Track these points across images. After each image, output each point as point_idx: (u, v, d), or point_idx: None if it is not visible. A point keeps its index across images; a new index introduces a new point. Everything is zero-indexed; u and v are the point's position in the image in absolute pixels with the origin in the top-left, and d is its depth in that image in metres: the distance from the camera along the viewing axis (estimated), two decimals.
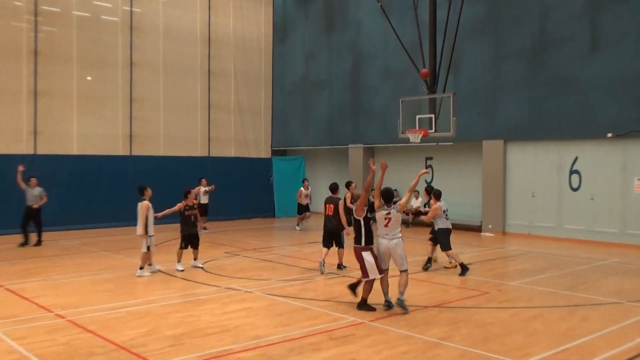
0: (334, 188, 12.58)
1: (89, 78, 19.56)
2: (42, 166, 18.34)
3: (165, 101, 21.32)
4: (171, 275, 11.54)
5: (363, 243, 8.81)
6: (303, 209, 20.59)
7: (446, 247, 12.11)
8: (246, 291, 10.06)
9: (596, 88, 16.46)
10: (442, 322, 8.21)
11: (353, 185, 13.32)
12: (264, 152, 24.50)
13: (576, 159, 17.21)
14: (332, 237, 12.12)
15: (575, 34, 16.87)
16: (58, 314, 8.44)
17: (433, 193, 12.66)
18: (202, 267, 12.38)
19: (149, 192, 11.66)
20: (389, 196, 8.80)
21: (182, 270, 11.94)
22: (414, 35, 17.69)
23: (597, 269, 12.68)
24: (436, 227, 12.37)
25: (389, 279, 8.94)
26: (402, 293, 8.81)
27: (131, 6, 20.41)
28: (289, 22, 26.57)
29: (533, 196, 18.13)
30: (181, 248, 12.20)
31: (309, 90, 25.74)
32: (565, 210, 17.25)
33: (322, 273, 11.69)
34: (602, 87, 16.35)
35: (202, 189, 18.66)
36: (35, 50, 18.39)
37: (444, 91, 16.58)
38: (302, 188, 20.31)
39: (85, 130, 19.47)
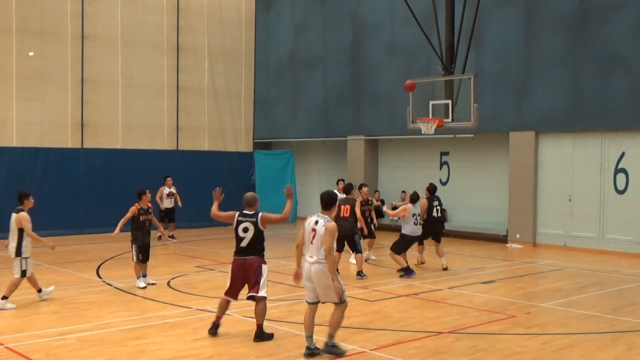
0: (348, 189, 14.26)
1: (31, 53, 19.49)
2: None
3: (124, 82, 21.28)
4: (131, 293, 11.54)
5: None
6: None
7: (396, 249, 13.50)
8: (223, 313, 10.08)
9: None
10: (460, 351, 8.26)
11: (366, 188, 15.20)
12: (245, 145, 24.50)
13: (623, 154, 17.32)
14: (345, 241, 13.39)
15: (626, 2, 16.96)
16: None
17: (410, 195, 14.11)
18: (153, 284, 12.38)
19: (30, 202, 10.60)
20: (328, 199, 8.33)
21: (144, 287, 11.97)
22: (428, 3, 17.77)
23: None
24: (402, 231, 13.72)
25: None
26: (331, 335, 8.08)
27: None
28: None
29: (570, 200, 18.21)
30: (138, 261, 12.18)
31: (300, 70, 25.72)
32: (609, 217, 17.32)
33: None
34: None
35: (166, 190, 18.65)
36: None
37: (463, 72, 16.63)
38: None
39: (26, 117, 19.41)
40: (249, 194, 9.43)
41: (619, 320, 10.07)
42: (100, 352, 8.01)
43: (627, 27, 16.92)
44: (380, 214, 22.91)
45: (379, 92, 22.72)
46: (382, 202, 22.69)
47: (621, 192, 17.09)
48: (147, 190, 12.87)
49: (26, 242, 10.37)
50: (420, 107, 16.56)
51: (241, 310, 10.26)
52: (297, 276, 8.13)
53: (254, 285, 8.76)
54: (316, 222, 8.12)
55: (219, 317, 8.96)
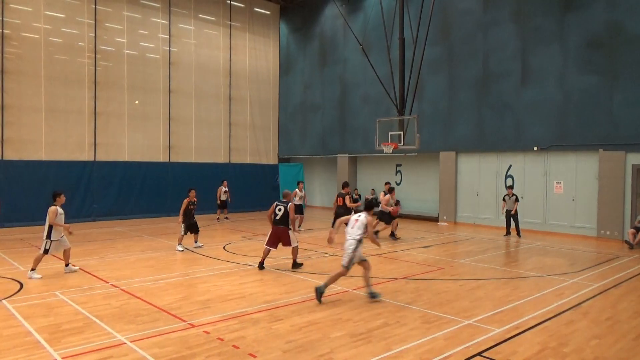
0: (344, 185, 14.43)
1: (136, 102, 19.53)
2: (100, 170, 18.37)
3: (196, 120, 21.31)
4: (199, 254, 11.56)
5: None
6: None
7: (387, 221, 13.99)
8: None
9: (526, 112, 16.59)
10: (408, 290, 8.29)
11: (348, 188, 15.00)
12: (272, 159, 24.52)
13: (510, 166, 17.32)
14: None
15: (510, 70, 17.00)
16: (113, 284, 8.46)
17: (389, 189, 14.22)
18: (201, 246, 12.35)
19: (62, 199, 9.17)
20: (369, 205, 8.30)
21: (182, 251, 11.84)
22: (387, 70, 17.82)
23: (525, 251, 12.80)
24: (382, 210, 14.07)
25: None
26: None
27: (170, 47, 20.39)
28: (291, 59, 26.58)
29: (477, 195, 18.24)
30: (184, 234, 12.09)
31: (307, 112, 25.77)
32: (501, 205, 17.31)
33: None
34: (530, 112, 16.48)
35: (223, 189, 18.64)
36: (95, 79, 18.36)
37: (410, 113, 16.67)
38: (296, 190, 17.73)
39: (134, 142, 19.44)
40: (286, 191, 10.27)
41: (508, 271, 10.10)
42: (180, 291, 8.03)
43: (512, 85, 16.95)
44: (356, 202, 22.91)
45: (357, 126, 22.74)
46: (360, 196, 22.70)
47: None
48: (194, 190, 12.70)
49: (55, 228, 8.91)
50: (383, 136, 16.59)
51: (270, 265, 10.28)
52: (331, 240, 8.43)
53: (287, 242, 9.74)
54: (358, 217, 7.83)
55: (263, 259, 9.83)
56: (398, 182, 21.56)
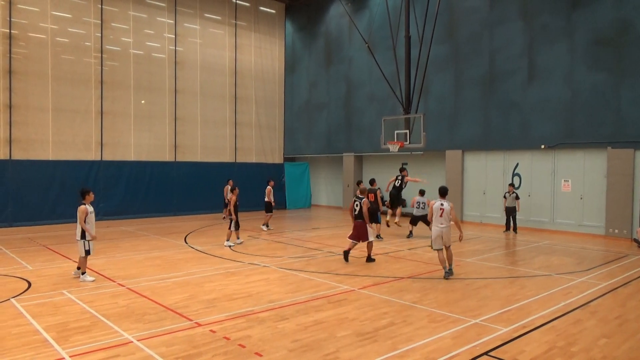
0: (372, 181, 14.24)
1: (143, 101, 19.60)
2: (107, 169, 18.47)
3: (202, 119, 21.37)
4: (206, 253, 11.59)
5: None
6: (270, 207, 17.92)
7: (413, 222, 14.38)
8: (264, 266, 10.12)
9: (532, 110, 16.49)
10: (415, 289, 8.27)
11: (362, 184, 15.23)
12: (278, 158, 24.53)
13: (517, 164, 17.23)
14: (374, 215, 13.25)
15: (517, 68, 16.90)
16: (119, 283, 8.50)
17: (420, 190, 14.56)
18: (242, 242, 12.99)
19: (90, 196, 8.80)
20: (443, 191, 9.53)
21: (232, 246, 12.36)
22: (393, 68, 17.76)
23: (532, 249, 12.72)
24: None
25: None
26: (450, 266, 9.37)
27: (175, 46, 20.45)
28: (296, 58, 26.59)
29: (484, 193, 18.16)
30: (235, 230, 12.56)
31: (312, 111, 25.76)
32: (502, 202, 17.21)
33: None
34: (537, 110, 16.38)
35: (229, 187, 18.63)
36: (101, 79, 18.44)
37: (416, 112, 16.61)
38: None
39: (140, 141, 19.52)
40: (363, 187, 10.88)
41: (514, 270, 10.05)
42: (186, 290, 8.05)
43: (519, 83, 16.85)
44: None
45: (363, 125, 22.71)
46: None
47: (517, 188, 17.01)
48: (236, 188, 13.16)
49: (89, 227, 8.61)
50: (389, 135, 16.55)
51: (275, 264, 10.29)
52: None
53: (364, 236, 10.37)
54: (442, 204, 9.23)
55: (348, 249, 10.60)
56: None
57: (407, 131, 16.02)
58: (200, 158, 21.31)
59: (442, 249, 9.23)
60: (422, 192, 14.59)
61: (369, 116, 22.21)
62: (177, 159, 20.60)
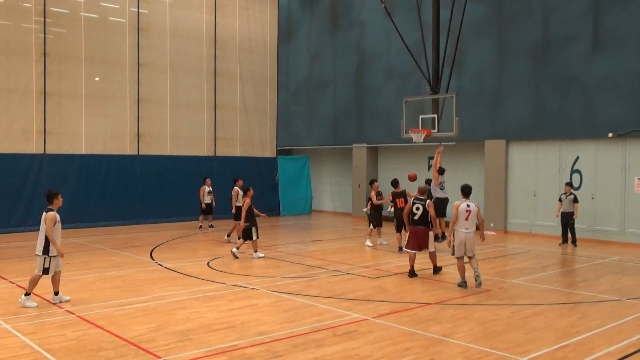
0: (395, 183, 14.94)
1: (97, 78, 19.64)
2: (52, 165, 18.53)
3: (172, 101, 21.38)
4: (178, 272, 11.61)
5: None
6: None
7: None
8: (252, 288, 10.13)
9: (598, 88, 16.46)
10: (444, 319, 8.26)
11: (377, 183, 16.15)
12: (269, 151, 24.54)
13: (577, 158, 17.20)
14: (402, 223, 13.91)
15: (578, 33, 16.86)
16: (68, 310, 8.52)
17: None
18: (263, 256, 13.43)
19: (59, 201, 8.95)
20: (468, 190, 10.26)
21: (239, 258, 13.10)
22: (418, 36, 17.73)
23: (597, 267, 12.68)
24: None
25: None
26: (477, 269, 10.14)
27: (138, 7, 20.47)
28: (293, 23, 26.62)
29: (534, 195, 18.14)
30: (245, 240, 13.37)
31: (314, 90, 25.78)
32: (557, 207, 17.16)
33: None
34: (603, 87, 16.35)
35: (207, 189, 18.65)
36: (44, 50, 18.47)
37: (447, 91, 16.60)
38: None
39: (93, 129, 19.56)
40: (423, 186, 11.66)
41: (574, 294, 10.03)
42: (153, 319, 8.08)
43: (580, 53, 16.82)
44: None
45: (378, 108, 22.72)
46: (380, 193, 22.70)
47: (576, 189, 16.98)
48: (250, 188, 13.81)
49: (54, 240, 8.66)
50: (412, 121, 16.53)
51: (266, 286, 10.32)
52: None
53: (426, 243, 11.11)
54: (468, 205, 10.07)
55: (412, 266, 11.18)
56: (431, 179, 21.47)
57: (435, 116, 16.01)
58: (170, 151, 21.35)
59: (463, 257, 10.14)
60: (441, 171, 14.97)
61: (387, 97, 22.21)
62: (141, 152, 20.65)
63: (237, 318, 8.16)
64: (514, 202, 18.73)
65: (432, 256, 11.41)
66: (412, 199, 11.53)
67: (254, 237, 13.29)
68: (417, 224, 11.17)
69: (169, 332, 7.45)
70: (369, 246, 15.47)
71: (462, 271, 10.27)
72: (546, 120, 17.62)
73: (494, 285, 10.56)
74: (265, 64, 24.36)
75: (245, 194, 13.72)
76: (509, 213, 18.83)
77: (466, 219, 10.05)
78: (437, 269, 11.52)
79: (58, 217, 8.82)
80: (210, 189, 18.72)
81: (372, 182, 16.43)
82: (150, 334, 7.38)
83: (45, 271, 8.75)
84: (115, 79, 20.03)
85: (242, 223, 13.28)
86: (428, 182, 14.91)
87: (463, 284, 10.23)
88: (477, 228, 10.48)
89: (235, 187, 16.29)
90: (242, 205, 13.50)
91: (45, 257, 8.71)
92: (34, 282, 8.80)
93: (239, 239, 14.06)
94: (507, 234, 18.60)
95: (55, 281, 9.00)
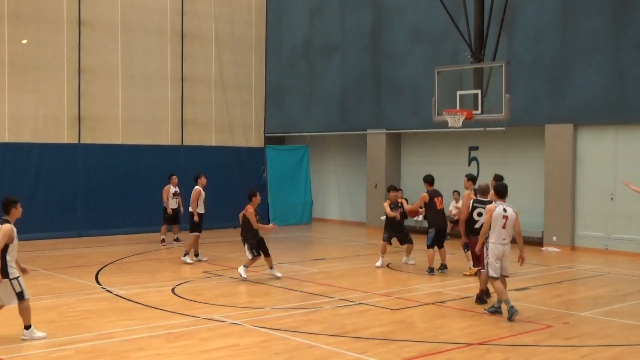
0: (431, 180, 15.01)
1: (24, 41, 19.68)
2: None
3: (125, 72, 21.40)
4: (133, 301, 11.61)
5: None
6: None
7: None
8: (232, 323, 10.12)
9: None
10: None
11: (395, 192, 16.47)
12: (255, 139, 24.56)
13: None
14: (442, 236, 14.76)
15: None
16: None
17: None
18: (280, 277, 13.85)
19: (18, 211, 9.27)
20: (504, 191, 10.78)
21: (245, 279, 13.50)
22: None
23: None
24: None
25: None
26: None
27: None
28: None
29: (612, 199, 18.11)
30: (253, 257, 13.72)
31: (315, 58, 25.77)
32: None
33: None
34: None
35: (172, 189, 18.62)
36: None
37: (494, 59, 16.60)
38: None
39: (19, 110, 19.59)
40: (485, 184, 12.03)
41: None
42: None
43: None
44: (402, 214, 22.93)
45: (402, 82, 22.71)
46: (406, 201, 22.71)
47: None
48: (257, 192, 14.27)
49: (11, 257, 8.88)
50: (447, 98, 16.53)
51: (251, 320, 10.32)
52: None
53: (482, 260, 11.06)
54: (504, 210, 10.45)
55: (483, 289, 11.47)
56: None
57: (479, 92, 16.03)
58: (121, 139, 21.37)
59: (500, 277, 10.46)
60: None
61: (412, 66, 22.22)
62: (83, 140, 20.68)
63: None
64: (584, 208, 18.71)
65: (485, 278, 11.39)
66: (472, 201, 11.92)
67: (249, 255, 13.64)
68: (478, 233, 11.22)
69: None
70: (377, 267, 15.52)
71: (503, 294, 10.44)
72: (629, 98, 17.60)
73: (558, 320, 10.54)
74: (250, 23, 24.38)
75: (250, 200, 13.89)
76: (578, 223, 18.81)
77: (503, 226, 10.36)
78: (486, 295, 11.71)
79: (15, 231, 8.98)
80: (177, 189, 18.73)
81: (390, 189, 16.56)
82: None
83: (20, 295, 8.91)
84: (48, 43, 20.06)
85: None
86: (497, 178, 14.18)
87: (512, 312, 10.26)
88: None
89: (197, 187, 16.34)
90: (246, 215, 13.66)
91: (10, 281, 8.83)
92: (26, 311, 9.01)
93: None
94: (574, 250, 18.59)
95: (23, 313, 9.05)
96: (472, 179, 14.13)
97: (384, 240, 15.68)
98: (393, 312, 11.00)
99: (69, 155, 20.34)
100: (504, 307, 10.44)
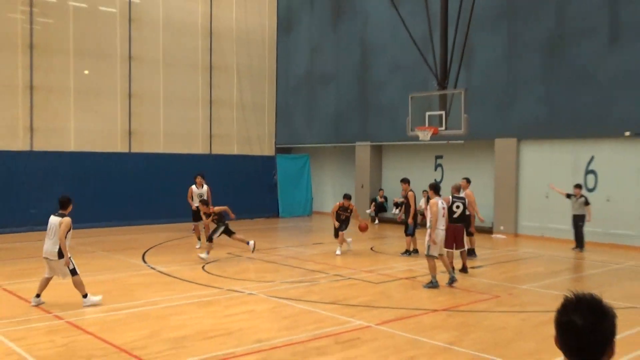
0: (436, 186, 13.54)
1: (86, 72, 19.69)
2: (39, 163, 18.58)
3: (165, 96, 21.41)
4: (172, 276, 11.67)
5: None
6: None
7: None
8: (249, 293, 10.17)
9: (615, 84, 16.49)
10: (451, 326, 8.31)
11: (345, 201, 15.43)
12: (268, 149, 24.58)
13: (592, 158, 17.25)
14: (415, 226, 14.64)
15: (594, 27, 16.88)
16: (56, 315, 8.58)
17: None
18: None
19: (71, 207, 9.56)
20: (439, 188, 11.18)
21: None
22: (425, 28, 17.79)
23: (612, 273, 12.73)
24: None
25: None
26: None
27: None
28: (293, 13, 26.66)
29: (547, 197, 18.16)
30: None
31: (315, 85, 25.83)
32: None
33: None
34: (620, 83, 16.38)
35: (196, 190, 18.30)
36: (30, 42, 18.51)
37: (455, 87, 16.66)
38: (192, 187, 16.50)
39: (82, 126, 19.60)
40: (458, 184, 12.60)
41: None
42: (146, 325, 8.13)
43: (595, 49, 16.86)
44: (383, 209, 23.01)
45: (383, 104, 22.76)
46: (386, 199, 22.81)
47: (591, 190, 17.03)
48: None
49: (68, 242, 9.05)
50: (418, 118, 16.60)
51: (264, 291, 10.37)
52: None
53: (461, 243, 11.94)
54: (443, 203, 10.94)
55: (450, 269, 11.16)
56: (438, 180, 21.54)
57: (443, 113, 16.07)
58: (163, 148, 21.40)
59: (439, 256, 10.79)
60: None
61: (392, 92, 22.25)
62: (133, 150, 20.70)
63: (233, 325, 8.21)
64: (525, 204, 18.77)
65: (465, 255, 12.29)
66: (451, 196, 12.21)
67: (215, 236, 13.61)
68: (456, 221, 11.87)
69: (162, 339, 7.50)
70: (337, 254, 14.63)
71: (448, 266, 10.99)
72: (559, 118, 17.65)
73: (504, 292, 10.60)
74: (264, 58, 24.39)
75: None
76: (520, 216, 18.87)
77: (443, 215, 10.83)
78: (466, 269, 12.17)
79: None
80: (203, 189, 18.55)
81: (346, 196, 15.43)
82: (142, 340, 7.44)
83: (74, 272, 9.02)
84: (105, 73, 20.08)
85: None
86: (468, 180, 14.32)
87: (435, 284, 10.69)
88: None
89: (192, 186, 16.16)
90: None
91: (67, 260, 8.97)
92: (79, 285, 9.06)
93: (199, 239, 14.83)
94: (517, 237, 18.64)
95: (43, 284, 9.12)
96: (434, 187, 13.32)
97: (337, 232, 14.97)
98: (375, 285, 11.07)
99: (121, 161, 20.36)
100: (439, 279, 10.82)
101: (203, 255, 13.35)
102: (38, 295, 9.14)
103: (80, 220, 19.18)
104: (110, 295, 9.93)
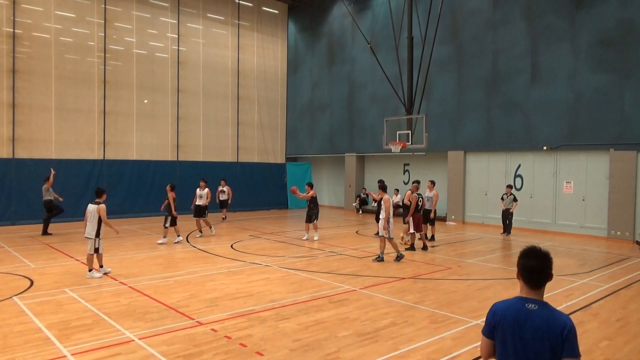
0: (437, 184, 14.41)
1: (145, 101, 19.63)
2: (109, 168, 18.50)
3: (204, 119, 21.38)
4: (208, 252, 11.61)
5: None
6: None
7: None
8: (265, 265, 10.13)
9: (535, 111, 16.48)
10: (416, 290, 8.27)
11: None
12: (280, 158, 24.52)
13: (519, 166, 17.22)
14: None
15: (520, 70, 16.89)
16: (122, 282, 8.52)
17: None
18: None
19: (105, 196, 9.18)
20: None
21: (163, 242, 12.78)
22: (396, 69, 17.77)
23: None
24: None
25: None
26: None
27: (178, 46, 20.48)
28: (299, 58, 26.62)
29: (486, 194, 18.14)
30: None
31: (315, 111, 25.79)
32: (499, 204, 17.17)
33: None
34: (539, 111, 16.37)
35: (220, 188, 18.22)
36: (104, 79, 18.48)
37: (418, 113, 16.62)
38: (198, 189, 14.78)
39: (142, 141, 19.55)
40: (415, 185, 12.23)
41: (515, 271, 9.99)
42: (188, 289, 8.07)
43: (522, 84, 16.85)
44: (365, 202, 22.94)
45: (365, 125, 22.73)
46: (367, 196, 22.73)
47: (518, 189, 17.00)
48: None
49: (102, 227, 8.88)
50: (391, 135, 16.55)
51: (277, 263, 10.31)
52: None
53: (420, 227, 12.07)
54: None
55: (414, 242, 11.94)
56: (406, 181, 21.50)
57: (409, 132, 16.02)
58: (202, 157, 21.32)
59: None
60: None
61: (372, 117, 22.22)
62: (180, 159, 20.63)
63: (253, 289, 8.16)
64: (470, 200, 18.74)
65: (424, 236, 12.47)
66: (417, 193, 12.11)
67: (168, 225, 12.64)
68: (420, 212, 12.22)
69: (200, 300, 7.44)
70: (314, 239, 13.69)
71: (381, 248, 10.77)
72: (495, 136, 17.63)
73: (455, 264, 10.57)
74: (277, 91, 24.35)
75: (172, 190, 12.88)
76: (467, 208, 18.83)
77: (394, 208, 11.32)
78: (426, 247, 12.28)
79: None
80: (224, 188, 18.26)
81: (309, 184, 14.35)
82: (186, 300, 7.38)
83: (96, 250, 8.86)
84: (159, 102, 20.02)
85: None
86: (433, 182, 13.88)
87: (382, 259, 10.68)
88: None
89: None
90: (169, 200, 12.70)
91: (96, 239, 8.84)
92: (90, 260, 8.87)
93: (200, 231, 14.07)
94: (465, 224, 18.60)
95: (99, 257, 9.03)
96: (415, 183, 12.61)
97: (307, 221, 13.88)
98: (360, 259, 11.01)
99: (171, 167, 20.28)
100: (385, 256, 10.94)
101: (160, 240, 12.76)
102: (101, 266, 9.06)
103: (140, 211, 19.19)
104: (162, 267, 9.89)
